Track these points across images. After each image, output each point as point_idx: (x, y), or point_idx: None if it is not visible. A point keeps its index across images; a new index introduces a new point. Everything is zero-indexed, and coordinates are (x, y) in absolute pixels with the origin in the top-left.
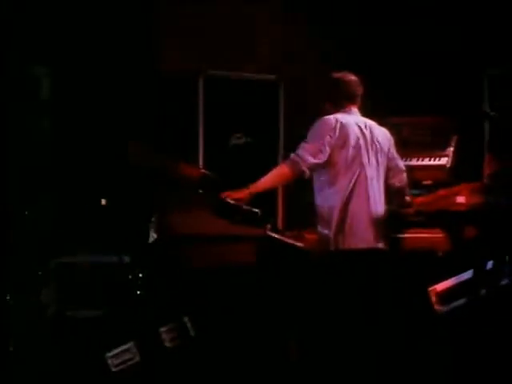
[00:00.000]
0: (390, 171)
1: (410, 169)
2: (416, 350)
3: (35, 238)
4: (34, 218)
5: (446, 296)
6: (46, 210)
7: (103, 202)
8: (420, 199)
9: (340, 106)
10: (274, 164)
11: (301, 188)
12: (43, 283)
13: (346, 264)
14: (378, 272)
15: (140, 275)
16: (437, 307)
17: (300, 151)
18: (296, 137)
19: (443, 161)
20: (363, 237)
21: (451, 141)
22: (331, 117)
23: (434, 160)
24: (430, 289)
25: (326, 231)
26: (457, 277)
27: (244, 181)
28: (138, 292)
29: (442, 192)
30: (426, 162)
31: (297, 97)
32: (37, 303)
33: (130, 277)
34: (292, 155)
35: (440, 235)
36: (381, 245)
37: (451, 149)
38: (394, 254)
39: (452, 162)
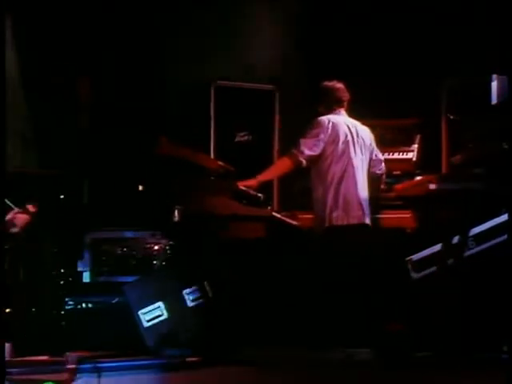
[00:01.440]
0: (371, 161)
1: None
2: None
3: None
4: (70, 202)
5: (420, 264)
6: (87, 194)
7: (140, 187)
8: (400, 186)
9: (331, 108)
10: (269, 157)
11: (293, 177)
12: (79, 255)
13: (340, 237)
14: (367, 243)
15: (156, 247)
16: (412, 274)
17: (298, 145)
18: (288, 135)
19: (410, 155)
20: (354, 214)
21: (416, 139)
22: (324, 117)
23: (402, 154)
24: (407, 258)
25: (321, 211)
26: (428, 249)
27: (246, 170)
28: (154, 262)
29: (417, 180)
30: (396, 156)
31: (290, 103)
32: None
33: (145, 247)
34: (292, 149)
35: (408, 215)
36: (368, 221)
37: (416, 145)
38: (375, 230)
39: (417, 156)
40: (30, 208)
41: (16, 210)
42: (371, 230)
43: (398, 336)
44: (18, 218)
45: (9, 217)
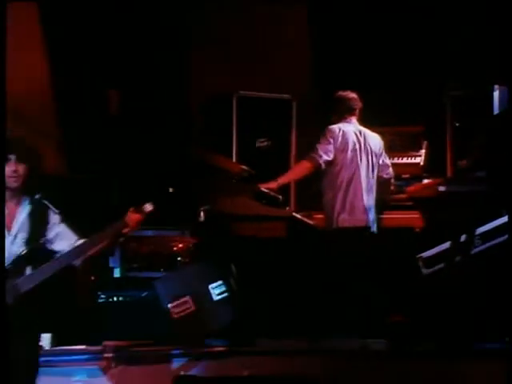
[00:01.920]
0: (380, 167)
1: (392, 165)
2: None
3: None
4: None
5: (430, 261)
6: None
7: (170, 189)
8: (411, 188)
9: (342, 116)
10: (287, 161)
11: (308, 180)
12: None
13: (345, 238)
14: (370, 244)
15: (180, 245)
16: (423, 270)
17: (316, 150)
18: (304, 141)
19: (417, 160)
20: (358, 218)
21: (423, 145)
22: (335, 126)
23: (410, 159)
24: (418, 256)
25: (329, 213)
26: (438, 247)
27: (265, 173)
28: (179, 259)
29: (427, 183)
30: (405, 160)
31: (306, 112)
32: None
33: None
34: (311, 153)
35: (416, 216)
36: (371, 224)
37: (423, 151)
38: (382, 231)
39: (424, 161)
40: (147, 207)
41: (131, 209)
42: (374, 232)
43: (400, 327)
44: (131, 217)
45: (125, 217)
